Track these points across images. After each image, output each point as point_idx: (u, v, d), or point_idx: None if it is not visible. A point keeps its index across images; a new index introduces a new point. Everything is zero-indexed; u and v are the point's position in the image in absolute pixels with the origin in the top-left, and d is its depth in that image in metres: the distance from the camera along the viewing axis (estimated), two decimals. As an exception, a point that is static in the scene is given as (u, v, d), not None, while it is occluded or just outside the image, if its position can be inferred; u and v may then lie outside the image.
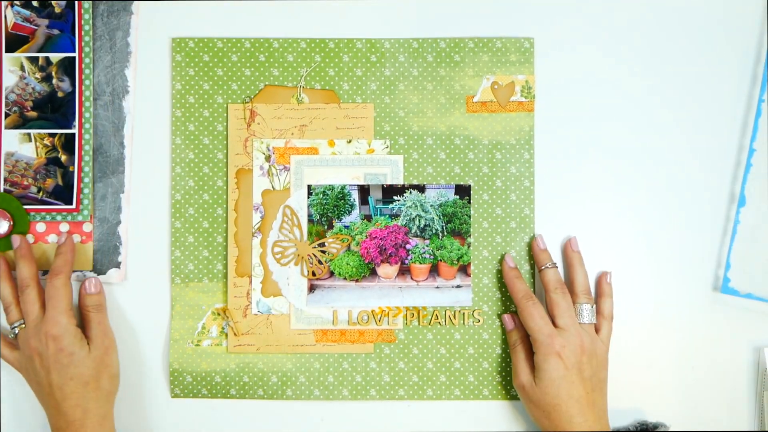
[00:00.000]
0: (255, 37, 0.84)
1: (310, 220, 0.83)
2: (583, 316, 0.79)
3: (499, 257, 0.83)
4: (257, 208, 0.83)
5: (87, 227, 0.83)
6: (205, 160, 0.84)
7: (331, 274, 0.83)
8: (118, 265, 0.83)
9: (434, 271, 0.83)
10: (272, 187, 0.83)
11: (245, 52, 0.84)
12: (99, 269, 0.83)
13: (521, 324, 0.80)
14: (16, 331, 0.80)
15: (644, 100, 0.84)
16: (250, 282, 0.83)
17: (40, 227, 0.83)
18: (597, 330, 0.80)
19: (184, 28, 0.84)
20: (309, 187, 0.83)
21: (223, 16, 0.84)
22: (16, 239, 0.81)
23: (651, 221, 0.84)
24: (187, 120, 0.84)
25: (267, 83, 0.84)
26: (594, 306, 0.80)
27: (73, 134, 0.83)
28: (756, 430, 0.82)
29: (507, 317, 0.82)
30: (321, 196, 0.83)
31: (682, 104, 0.84)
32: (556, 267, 0.81)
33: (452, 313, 0.83)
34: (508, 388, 0.83)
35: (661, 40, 0.84)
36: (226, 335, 0.83)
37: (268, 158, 0.83)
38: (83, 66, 0.83)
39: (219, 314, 0.83)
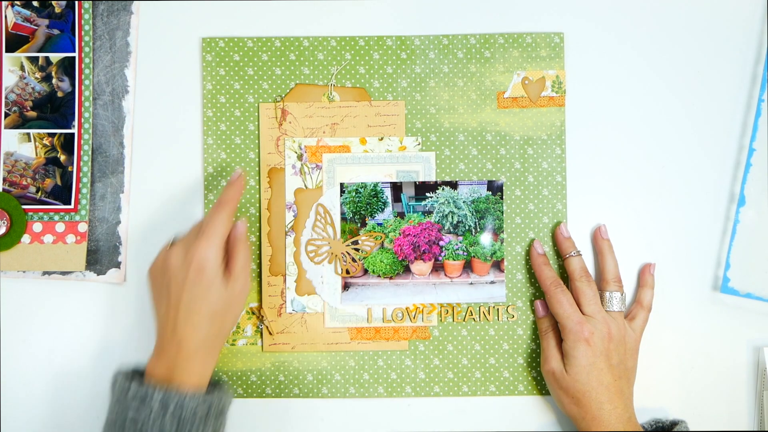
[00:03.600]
0: (285, 36, 0.84)
1: (343, 218, 0.83)
2: (613, 304, 0.79)
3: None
4: (290, 207, 0.83)
5: (82, 227, 0.83)
6: (237, 160, 0.84)
7: (365, 271, 0.83)
8: (118, 265, 0.83)
9: (468, 267, 0.83)
10: (305, 185, 0.83)
11: (275, 51, 0.84)
12: (98, 269, 0.83)
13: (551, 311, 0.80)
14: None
15: (643, 99, 0.84)
16: (284, 281, 0.83)
17: (37, 227, 0.83)
18: (631, 318, 0.80)
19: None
20: (341, 185, 0.83)
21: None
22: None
23: (651, 221, 0.84)
24: (218, 120, 0.84)
25: (298, 82, 0.84)
26: (624, 294, 0.80)
27: (73, 134, 0.83)
28: (756, 430, 0.82)
29: (539, 304, 0.82)
30: (354, 194, 0.83)
31: (681, 104, 0.84)
32: (581, 255, 0.81)
33: (486, 309, 0.83)
34: (544, 384, 0.83)
35: (661, 40, 0.84)
36: (261, 334, 0.83)
37: (300, 157, 0.83)
38: (83, 66, 0.83)
39: (253, 313, 0.83)
